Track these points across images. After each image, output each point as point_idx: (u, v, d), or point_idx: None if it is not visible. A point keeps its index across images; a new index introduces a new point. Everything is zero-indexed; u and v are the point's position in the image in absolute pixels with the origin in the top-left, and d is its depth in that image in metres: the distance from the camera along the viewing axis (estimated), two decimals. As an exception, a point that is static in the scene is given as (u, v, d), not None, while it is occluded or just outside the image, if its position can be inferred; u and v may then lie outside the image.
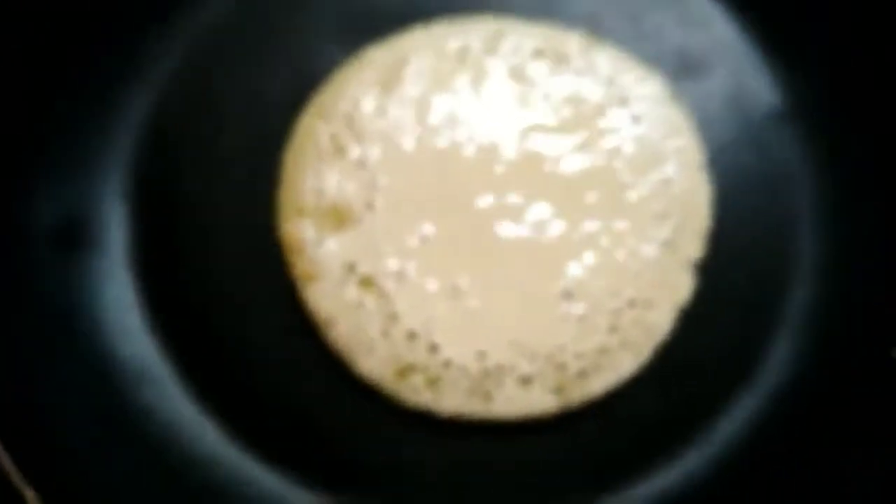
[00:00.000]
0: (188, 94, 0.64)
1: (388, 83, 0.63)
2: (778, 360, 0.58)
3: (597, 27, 0.66)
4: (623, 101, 0.62)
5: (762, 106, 0.64)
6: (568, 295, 0.57)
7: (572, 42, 0.64)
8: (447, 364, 0.56)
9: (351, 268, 0.59)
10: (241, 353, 0.58)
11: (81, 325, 0.58)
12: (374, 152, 0.61)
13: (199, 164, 0.62)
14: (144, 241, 0.61)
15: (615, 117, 0.62)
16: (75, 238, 0.60)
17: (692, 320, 0.58)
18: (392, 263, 0.58)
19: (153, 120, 0.63)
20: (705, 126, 0.63)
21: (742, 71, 0.65)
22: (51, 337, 0.57)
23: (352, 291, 0.58)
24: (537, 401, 0.56)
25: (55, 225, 0.60)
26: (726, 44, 0.66)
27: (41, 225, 0.59)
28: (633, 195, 0.60)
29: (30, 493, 0.49)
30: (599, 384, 0.56)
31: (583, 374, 0.56)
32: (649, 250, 0.59)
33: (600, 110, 0.62)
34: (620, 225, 0.59)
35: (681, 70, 0.64)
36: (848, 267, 0.60)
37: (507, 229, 0.59)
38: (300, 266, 0.59)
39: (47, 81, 0.60)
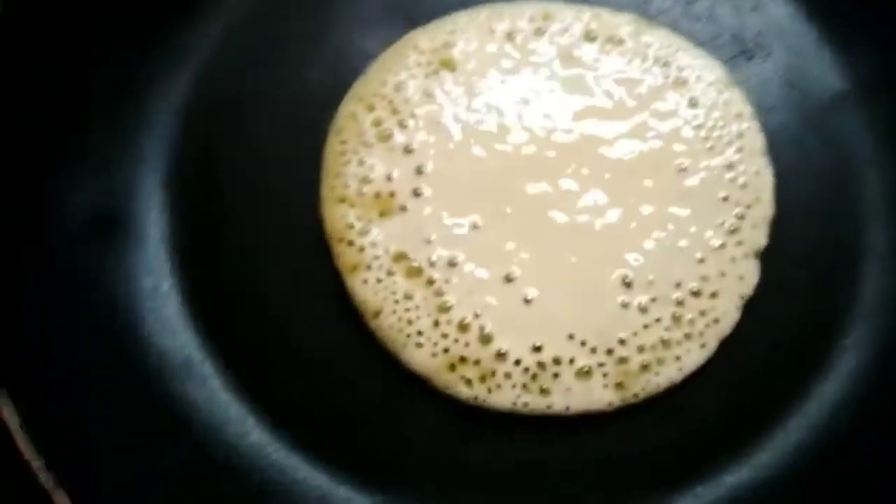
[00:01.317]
0: (229, 81, 0.62)
1: (434, 67, 0.61)
2: (849, 352, 0.55)
3: (647, 9, 0.63)
4: (680, 84, 0.60)
5: (823, 89, 0.61)
6: (628, 284, 0.55)
7: (623, 23, 0.62)
8: (501, 356, 0.54)
9: (398, 257, 0.56)
10: (285, 346, 0.55)
11: (120, 317, 0.55)
12: (420, 138, 0.59)
13: (239, 152, 0.60)
14: (184, 231, 0.58)
15: (672, 100, 0.60)
16: (113, 226, 0.58)
17: (759, 312, 0.55)
18: (441, 252, 0.56)
19: (193, 106, 0.61)
20: (765, 110, 0.60)
21: (800, 53, 0.63)
22: (89, 329, 0.54)
23: (399, 281, 0.55)
24: (597, 396, 0.53)
25: (93, 212, 0.57)
26: (782, 25, 0.63)
27: (78, 213, 0.56)
28: (693, 181, 0.57)
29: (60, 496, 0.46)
30: (663, 378, 0.54)
31: (645, 368, 0.54)
32: (712, 238, 0.56)
33: (656, 93, 0.60)
34: (681, 212, 0.57)
35: (737, 53, 0.62)
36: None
37: (561, 216, 0.56)
38: (345, 256, 0.56)
39: (86, 64, 0.58)
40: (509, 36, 0.61)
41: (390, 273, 0.56)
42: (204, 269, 0.57)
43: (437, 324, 0.54)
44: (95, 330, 0.54)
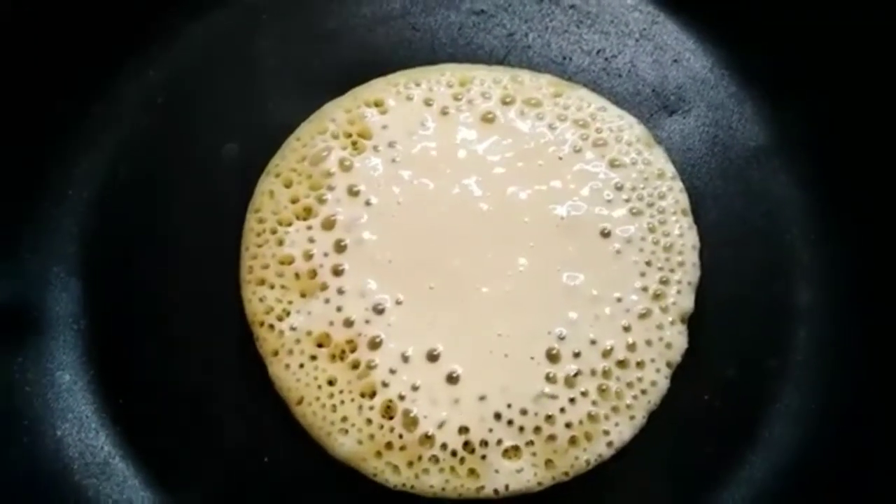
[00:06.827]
0: (139, 162, 0.60)
1: (352, 138, 0.59)
2: (782, 418, 0.54)
3: (566, 68, 0.63)
4: (599, 145, 0.59)
5: (746, 141, 0.61)
6: (553, 357, 0.54)
7: (542, 85, 0.61)
8: (427, 439, 0.52)
9: (319, 340, 0.54)
10: (207, 440, 0.54)
11: (30, 419, 0.54)
12: (339, 212, 0.57)
13: (153, 234, 0.58)
14: (99, 322, 0.56)
15: (592, 162, 0.58)
16: (24, 319, 0.56)
17: (688, 380, 0.54)
18: (363, 332, 0.54)
19: (104, 189, 0.60)
20: (688, 168, 0.60)
21: (722, 105, 0.62)
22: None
23: (322, 365, 0.54)
24: (526, 476, 0.52)
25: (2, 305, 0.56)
26: (703, 77, 0.63)
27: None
28: (616, 245, 0.56)
29: None
30: (592, 454, 0.52)
31: (574, 445, 0.52)
32: (637, 305, 0.55)
33: (576, 156, 0.59)
34: (605, 278, 0.55)
35: (658, 108, 0.62)
36: (850, 313, 0.56)
37: (484, 288, 0.55)
38: (266, 340, 0.55)
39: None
40: (427, 102, 0.60)
41: (312, 357, 0.54)
42: (119, 362, 0.55)
43: (361, 409, 0.53)
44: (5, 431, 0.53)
